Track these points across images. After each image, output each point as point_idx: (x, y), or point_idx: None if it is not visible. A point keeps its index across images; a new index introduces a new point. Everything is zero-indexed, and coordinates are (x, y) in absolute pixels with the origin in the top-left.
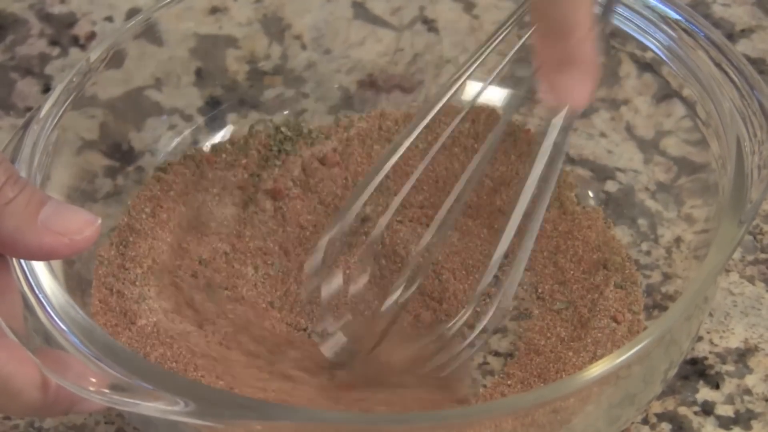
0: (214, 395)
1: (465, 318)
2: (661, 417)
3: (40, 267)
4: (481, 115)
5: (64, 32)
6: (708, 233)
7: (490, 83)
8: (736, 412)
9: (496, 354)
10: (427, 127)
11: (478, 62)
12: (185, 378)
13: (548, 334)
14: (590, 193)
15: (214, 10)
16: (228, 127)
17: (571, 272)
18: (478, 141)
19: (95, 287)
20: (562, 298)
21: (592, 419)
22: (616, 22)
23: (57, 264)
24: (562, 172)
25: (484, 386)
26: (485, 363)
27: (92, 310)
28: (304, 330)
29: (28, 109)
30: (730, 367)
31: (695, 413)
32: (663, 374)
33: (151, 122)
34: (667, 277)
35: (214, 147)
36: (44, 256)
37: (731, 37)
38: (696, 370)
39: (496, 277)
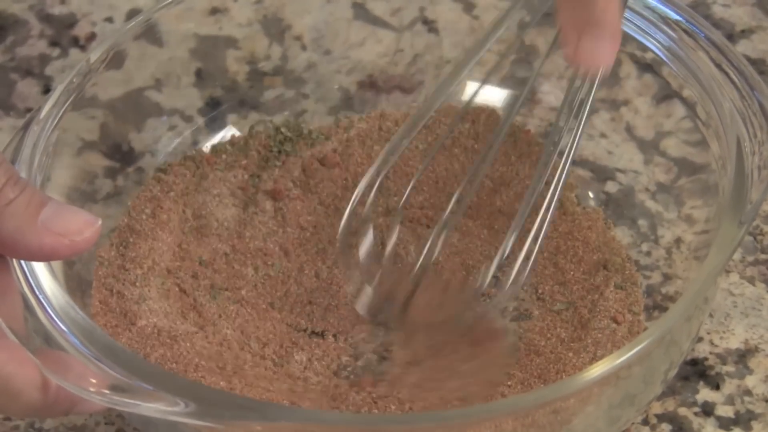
0: (215, 396)
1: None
2: (662, 418)
3: (40, 268)
4: (481, 115)
5: (64, 33)
6: (708, 234)
7: (487, 83)
8: (737, 413)
9: None
10: (426, 127)
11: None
12: (185, 379)
13: (548, 335)
14: (590, 194)
15: (214, 11)
16: (228, 127)
17: (572, 273)
18: (479, 141)
19: (95, 288)
20: (562, 299)
21: (593, 420)
22: None
23: (57, 265)
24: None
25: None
26: None
27: (92, 311)
28: (304, 331)
29: (29, 110)
30: (730, 368)
31: (695, 414)
32: (663, 375)
33: (152, 123)
34: (667, 277)
35: (214, 148)
36: (44, 256)
37: (731, 37)
38: (696, 371)
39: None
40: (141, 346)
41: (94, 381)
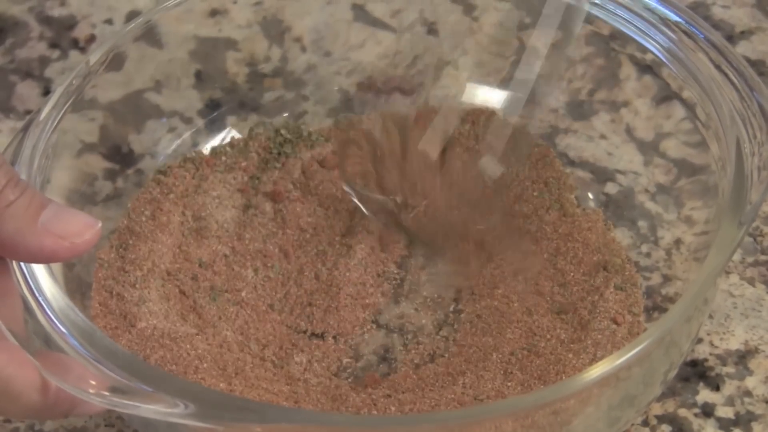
0: (214, 397)
1: None
2: (661, 419)
3: (40, 270)
4: (481, 117)
5: (63, 35)
6: (708, 235)
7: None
8: (737, 414)
9: None
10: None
11: None
12: (185, 380)
13: (548, 336)
14: (590, 195)
15: (213, 13)
16: (228, 129)
17: (571, 274)
18: (479, 142)
19: (95, 290)
20: (562, 300)
21: (592, 420)
22: (616, 24)
23: (57, 267)
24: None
25: None
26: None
27: (92, 313)
28: (304, 332)
29: (28, 111)
30: (730, 369)
31: (695, 415)
32: (663, 376)
33: (151, 125)
34: (667, 278)
35: (213, 150)
36: (44, 258)
37: (731, 38)
38: (696, 372)
39: None
40: (141, 347)
41: (93, 383)
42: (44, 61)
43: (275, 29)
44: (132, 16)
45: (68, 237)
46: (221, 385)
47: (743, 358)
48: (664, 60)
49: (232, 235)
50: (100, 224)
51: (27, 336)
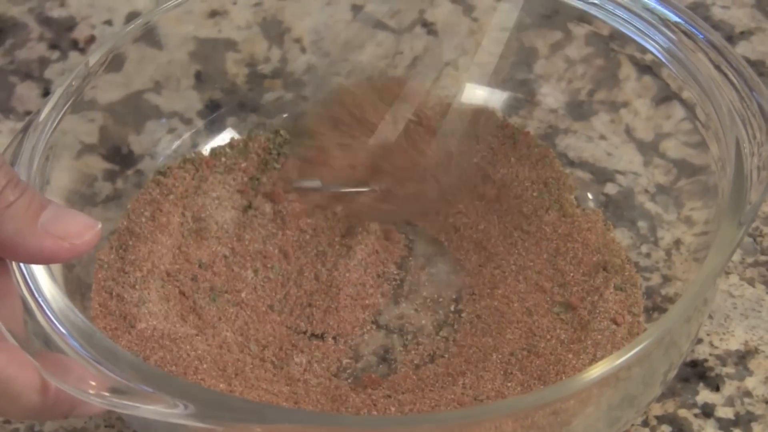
0: (214, 398)
1: None
2: (661, 419)
3: (39, 271)
4: (481, 117)
5: (63, 36)
6: (708, 235)
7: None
8: (736, 415)
9: None
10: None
11: None
12: (185, 381)
13: (548, 336)
14: (590, 196)
15: (213, 14)
16: (227, 130)
17: (571, 275)
18: (479, 142)
19: (95, 291)
20: (562, 301)
21: (592, 421)
22: (616, 24)
23: (57, 268)
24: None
25: None
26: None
27: (92, 314)
28: (304, 333)
29: (28, 112)
30: (730, 370)
31: (695, 415)
32: (663, 376)
33: (151, 126)
34: (666, 279)
35: (213, 150)
36: (44, 259)
37: (731, 39)
38: (696, 372)
39: None
40: (141, 348)
41: (93, 383)
42: (44, 62)
43: (275, 30)
44: (132, 17)
45: (68, 238)
46: (221, 385)
47: (743, 358)
48: (663, 60)
49: (232, 236)
50: (99, 225)
51: (27, 337)
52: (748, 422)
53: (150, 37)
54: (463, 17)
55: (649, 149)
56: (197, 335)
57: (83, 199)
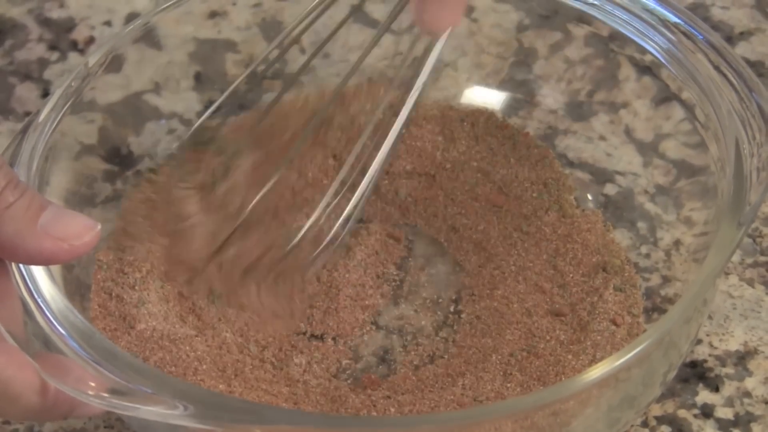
0: (214, 399)
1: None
2: (661, 420)
3: (39, 272)
4: (481, 118)
5: (62, 37)
6: (707, 236)
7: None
8: (736, 415)
9: None
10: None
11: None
12: (184, 382)
13: (547, 337)
14: (589, 196)
15: (213, 15)
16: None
17: (571, 275)
18: (479, 143)
19: (94, 292)
20: (561, 301)
21: (592, 422)
22: (616, 25)
23: (56, 269)
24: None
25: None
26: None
27: (91, 315)
28: (304, 334)
29: (27, 113)
30: (729, 370)
31: (695, 416)
32: (662, 377)
33: (150, 126)
34: (666, 279)
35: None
36: (44, 261)
37: (730, 39)
38: (695, 373)
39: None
40: (140, 349)
41: (93, 384)
42: (43, 63)
43: (274, 31)
44: (131, 17)
45: (67, 239)
46: (221, 386)
47: (742, 359)
48: (663, 61)
49: None
50: (99, 226)
51: (26, 338)
52: (748, 423)
53: (149, 37)
54: (462, 18)
55: (648, 150)
56: (197, 336)
57: (82, 200)
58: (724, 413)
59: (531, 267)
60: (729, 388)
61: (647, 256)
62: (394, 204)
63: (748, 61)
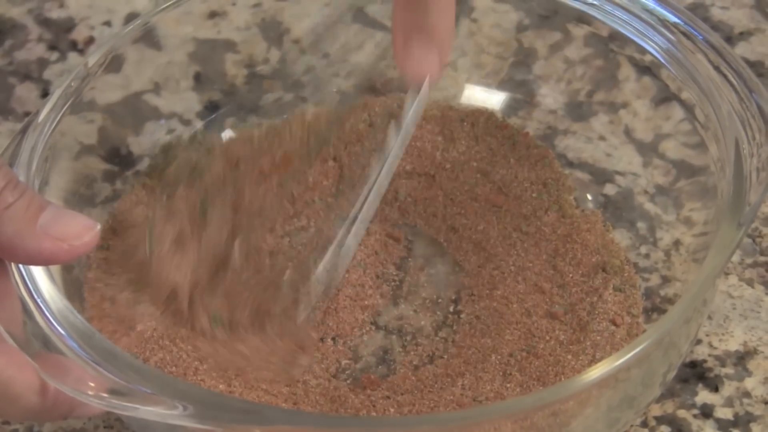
0: (214, 399)
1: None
2: (660, 420)
3: (38, 272)
4: (480, 118)
5: (62, 37)
6: (707, 236)
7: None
8: (736, 415)
9: None
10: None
11: None
12: (184, 382)
13: (547, 338)
14: (589, 197)
15: (212, 15)
16: (226, 131)
17: (570, 275)
18: (479, 143)
19: (88, 292)
20: (561, 302)
21: (591, 422)
22: (615, 25)
23: (55, 269)
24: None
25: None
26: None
27: (89, 315)
28: None
29: (27, 113)
30: (729, 370)
31: (694, 416)
32: (662, 377)
33: (150, 127)
34: (666, 280)
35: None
36: (43, 261)
37: (730, 40)
38: (695, 373)
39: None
40: (140, 350)
41: (92, 384)
42: (43, 63)
43: (274, 31)
44: (131, 18)
45: (67, 239)
46: (220, 386)
47: (742, 359)
48: (662, 61)
49: None
50: (99, 226)
51: (26, 338)
52: (747, 423)
53: (149, 38)
54: (462, 18)
55: (648, 150)
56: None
57: (82, 200)
58: (724, 413)
59: (530, 267)
60: (728, 389)
61: (647, 256)
62: (394, 204)
63: (747, 62)
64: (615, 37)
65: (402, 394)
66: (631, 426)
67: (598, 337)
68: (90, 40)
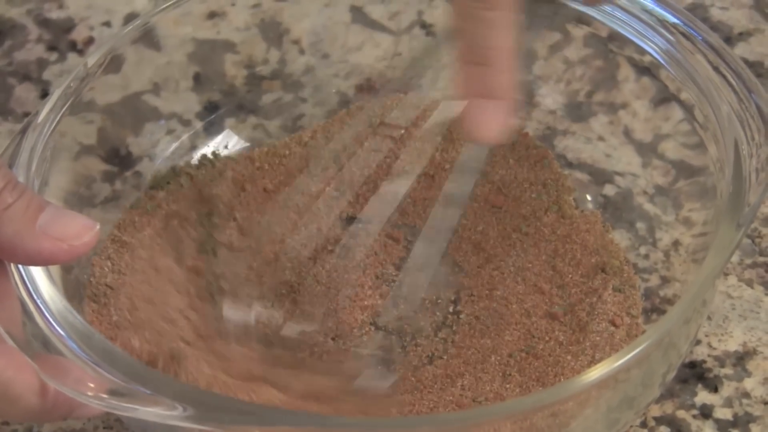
0: (213, 400)
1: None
2: (660, 420)
3: (38, 272)
4: None
5: (61, 37)
6: (706, 236)
7: None
8: (735, 416)
9: None
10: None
11: None
12: (184, 382)
13: (546, 338)
14: (588, 197)
15: (212, 15)
16: (226, 131)
17: (570, 276)
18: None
19: (88, 295)
20: (560, 302)
21: (591, 422)
22: (615, 25)
23: (55, 269)
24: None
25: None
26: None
27: (89, 318)
28: None
29: (26, 114)
30: (728, 371)
31: (694, 417)
32: (661, 378)
33: (149, 127)
34: (665, 280)
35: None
36: (43, 261)
37: (729, 40)
38: (694, 374)
39: None
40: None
41: (92, 385)
42: (42, 64)
43: (273, 31)
44: (130, 18)
45: (66, 239)
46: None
47: (741, 359)
48: (662, 62)
49: None
50: (98, 226)
51: (25, 339)
52: (747, 423)
53: (148, 38)
54: None
55: (647, 150)
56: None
57: (82, 200)
58: (723, 414)
59: (530, 267)
60: (728, 389)
61: (646, 256)
62: None
63: (747, 62)
64: (614, 37)
65: (401, 394)
66: (631, 426)
67: (598, 338)
68: (89, 41)
